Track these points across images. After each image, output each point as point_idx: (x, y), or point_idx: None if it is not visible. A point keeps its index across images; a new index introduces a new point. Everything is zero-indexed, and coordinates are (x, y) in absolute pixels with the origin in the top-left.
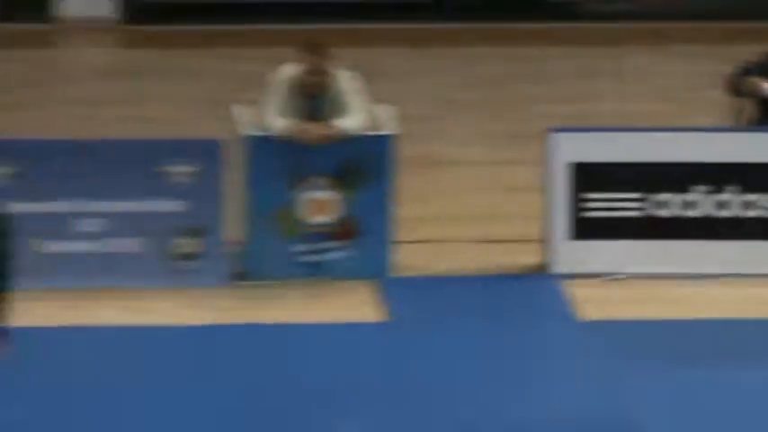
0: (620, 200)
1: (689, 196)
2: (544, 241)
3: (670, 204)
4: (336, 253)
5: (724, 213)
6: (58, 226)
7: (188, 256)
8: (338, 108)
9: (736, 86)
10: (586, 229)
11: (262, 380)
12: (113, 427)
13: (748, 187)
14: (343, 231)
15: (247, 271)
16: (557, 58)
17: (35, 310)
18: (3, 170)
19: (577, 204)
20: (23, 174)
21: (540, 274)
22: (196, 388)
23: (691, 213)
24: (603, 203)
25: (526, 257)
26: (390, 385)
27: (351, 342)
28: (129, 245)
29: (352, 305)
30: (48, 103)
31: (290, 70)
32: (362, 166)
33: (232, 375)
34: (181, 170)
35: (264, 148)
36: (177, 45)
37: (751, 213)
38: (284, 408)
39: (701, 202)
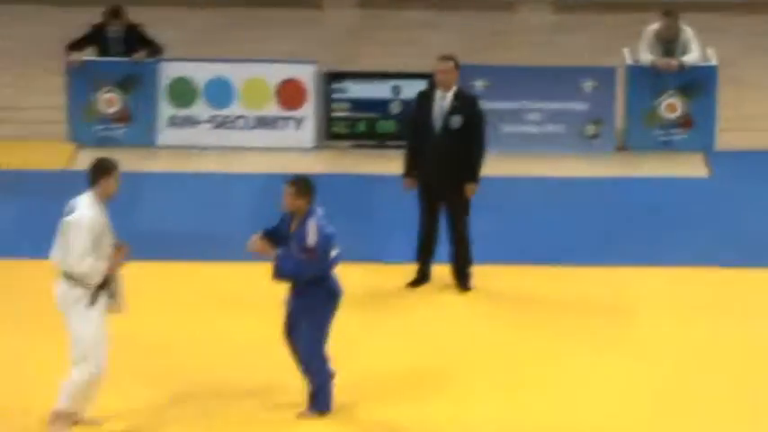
0: None
1: None
2: None
3: None
4: (680, 136)
5: None
6: (514, 116)
7: (592, 136)
8: (683, 49)
9: None
10: None
11: (623, 207)
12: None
13: None
14: (684, 122)
15: (627, 145)
16: None
17: (494, 165)
18: (482, 83)
19: None
20: (494, 85)
21: None
22: (588, 209)
23: None
24: None
25: None
26: (710, 216)
27: (687, 188)
28: (557, 129)
29: (689, 167)
30: (509, 44)
31: (655, 26)
32: (697, 83)
33: (606, 202)
34: (590, 84)
35: (639, 73)
36: (588, 11)
37: None
38: (635, 228)
39: None
